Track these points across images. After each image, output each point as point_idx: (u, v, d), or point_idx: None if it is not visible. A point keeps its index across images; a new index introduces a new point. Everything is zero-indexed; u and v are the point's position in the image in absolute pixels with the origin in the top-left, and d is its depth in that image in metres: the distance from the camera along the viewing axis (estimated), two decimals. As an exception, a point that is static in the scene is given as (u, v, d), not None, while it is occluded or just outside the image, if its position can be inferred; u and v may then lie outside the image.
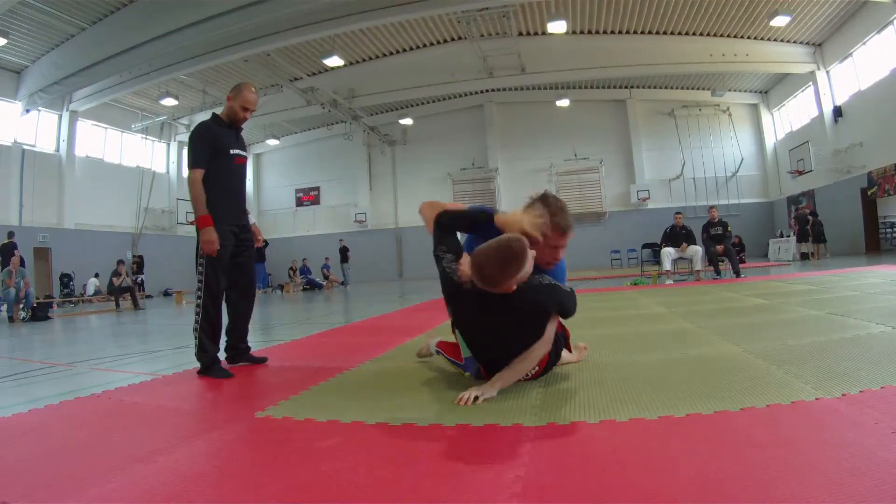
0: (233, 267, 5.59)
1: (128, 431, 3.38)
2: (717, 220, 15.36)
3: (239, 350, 5.72)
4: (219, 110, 5.64)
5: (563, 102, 32.38)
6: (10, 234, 19.62)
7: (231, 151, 5.53)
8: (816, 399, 3.09)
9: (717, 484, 2.11)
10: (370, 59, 28.18)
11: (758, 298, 8.61)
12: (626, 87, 33.23)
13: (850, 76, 25.04)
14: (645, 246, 20.73)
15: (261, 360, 5.71)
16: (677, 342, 5.35)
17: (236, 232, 5.57)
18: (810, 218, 23.93)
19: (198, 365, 5.19)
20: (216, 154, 5.41)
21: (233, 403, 4.06)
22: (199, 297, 5.36)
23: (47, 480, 2.52)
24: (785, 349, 4.55)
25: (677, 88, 33.07)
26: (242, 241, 5.68)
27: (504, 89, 32.42)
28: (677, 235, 15.21)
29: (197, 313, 5.29)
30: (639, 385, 3.73)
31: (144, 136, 30.55)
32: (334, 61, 25.75)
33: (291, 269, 31.20)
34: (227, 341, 5.67)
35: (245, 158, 5.79)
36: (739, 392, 3.37)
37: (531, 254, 3.47)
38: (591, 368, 4.34)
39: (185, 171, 5.44)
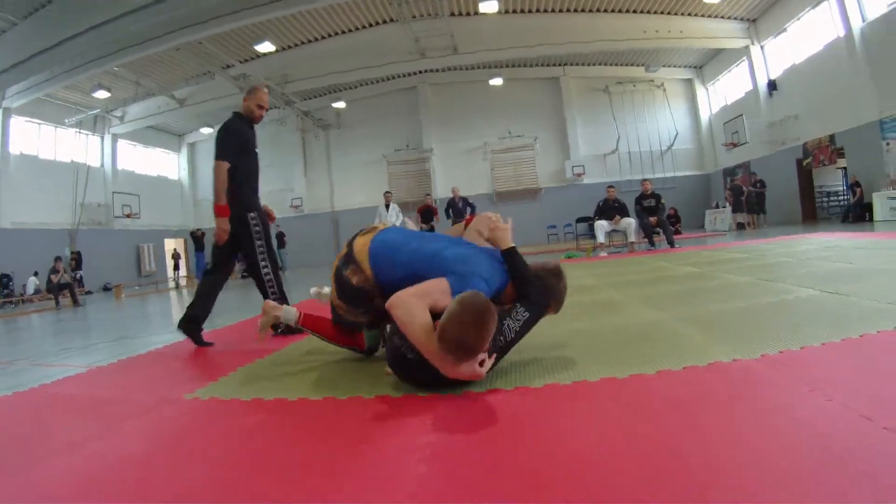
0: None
1: (61, 422, 3.48)
2: (650, 192, 15.49)
3: (198, 326, 5.92)
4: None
5: (497, 81, 32.49)
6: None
7: (253, 149, 6.19)
8: (734, 360, 3.20)
9: (622, 443, 2.23)
10: (302, 43, 27.87)
11: (689, 267, 8.78)
12: (559, 65, 33.33)
13: (784, 50, 25.38)
14: (579, 220, 20.88)
15: (207, 344, 5.77)
16: (604, 311, 5.48)
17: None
18: (745, 189, 24.33)
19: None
20: (244, 150, 6.00)
21: (162, 388, 4.11)
22: (267, 275, 5.89)
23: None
24: (710, 314, 4.68)
25: (611, 65, 33.23)
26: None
27: (437, 70, 32.25)
28: (610, 209, 15.37)
29: (271, 288, 5.87)
30: (559, 354, 3.86)
31: (78, 130, 29.89)
32: (266, 47, 25.68)
33: (229, 257, 31.02)
34: (192, 312, 5.90)
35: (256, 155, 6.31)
36: (658, 356, 3.49)
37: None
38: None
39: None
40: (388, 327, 3.57)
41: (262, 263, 5.87)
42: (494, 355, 3.18)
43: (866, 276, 5.91)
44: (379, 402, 3.13)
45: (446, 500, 1.92)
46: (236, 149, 5.90)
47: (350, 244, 3.84)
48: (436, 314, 3.10)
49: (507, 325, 3.32)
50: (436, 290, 3.24)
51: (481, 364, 3.01)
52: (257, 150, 6.31)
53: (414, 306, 3.12)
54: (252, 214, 5.93)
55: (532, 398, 2.97)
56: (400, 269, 3.55)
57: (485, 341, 2.93)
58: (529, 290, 3.55)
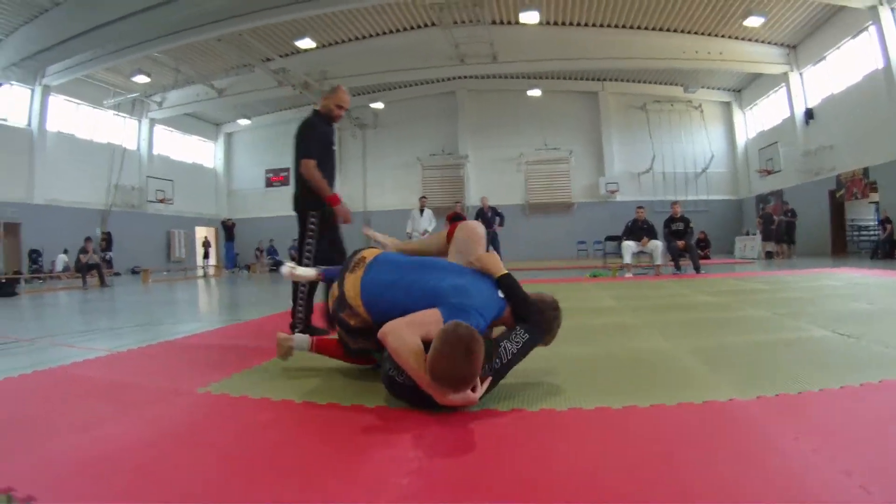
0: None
1: (76, 403, 3.60)
2: (679, 215, 15.37)
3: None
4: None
5: (535, 92, 32.46)
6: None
7: (332, 147, 6.35)
8: (730, 399, 3.22)
9: (598, 474, 2.29)
10: (343, 42, 27.99)
11: (709, 296, 8.74)
12: (598, 80, 33.12)
13: (823, 79, 25.13)
14: (608, 238, 20.86)
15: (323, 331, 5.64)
16: (616, 336, 5.50)
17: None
18: (775, 217, 24.14)
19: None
20: (323, 148, 6.19)
21: (177, 379, 4.23)
22: (308, 263, 5.96)
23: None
24: (718, 348, 4.69)
25: (650, 83, 33.01)
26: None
27: (476, 77, 32.33)
28: (639, 230, 15.31)
29: (302, 288, 5.99)
30: (562, 377, 3.90)
31: (116, 112, 30.10)
32: (306, 43, 25.86)
33: (258, 249, 31.16)
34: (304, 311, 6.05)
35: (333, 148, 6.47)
36: (657, 388, 3.53)
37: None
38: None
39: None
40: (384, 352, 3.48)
41: (306, 262, 5.99)
42: (489, 379, 3.19)
43: (883, 318, 5.87)
44: (378, 413, 3.22)
45: None
46: (318, 147, 6.12)
47: (341, 285, 3.78)
48: (428, 343, 3.11)
49: (505, 347, 3.34)
50: (428, 320, 3.24)
51: (473, 389, 3.05)
52: (334, 147, 6.47)
53: (406, 335, 3.16)
54: (313, 214, 6.14)
55: (525, 422, 3.03)
56: (396, 309, 3.45)
57: (475, 371, 2.96)
58: (529, 312, 3.57)
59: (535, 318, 3.56)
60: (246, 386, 3.89)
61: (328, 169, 6.19)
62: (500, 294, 3.60)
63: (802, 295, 8.46)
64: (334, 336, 4.34)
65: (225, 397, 3.63)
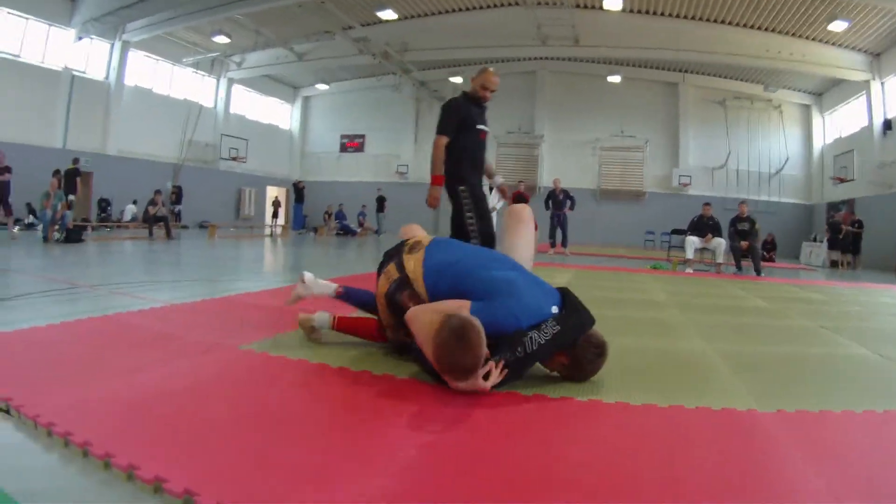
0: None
1: (122, 350, 3.79)
2: (745, 215, 15.17)
3: None
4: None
5: (615, 79, 32.11)
6: (76, 161, 20.10)
7: (477, 126, 6.33)
8: (749, 410, 3.21)
9: (587, 470, 2.35)
10: (424, 15, 27.98)
11: (762, 301, 8.63)
12: (679, 71, 32.62)
13: (904, 91, 24.47)
14: (674, 231, 20.67)
15: None
16: (655, 331, 5.52)
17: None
18: (843, 227, 23.69)
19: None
20: (465, 127, 6.24)
21: (223, 334, 4.38)
22: (474, 239, 6.18)
23: (41, 385, 2.95)
24: (752, 355, 4.66)
25: (731, 79, 32.40)
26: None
27: (557, 59, 32.12)
28: (704, 226, 15.20)
29: None
30: None
31: (195, 70, 30.67)
32: (388, 14, 25.88)
33: (327, 213, 31.42)
34: None
35: (486, 133, 6.58)
36: (681, 389, 3.54)
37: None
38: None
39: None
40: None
41: (472, 233, 6.21)
42: (501, 364, 3.20)
43: (930, 342, 5.74)
44: (405, 385, 3.33)
45: (419, 485, 2.11)
46: (456, 126, 6.21)
47: (401, 266, 3.74)
48: None
49: (531, 337, 3.29)
50: (454, 307, 3.24)
51: (487, 376, 3.10)
52: (486, 128, 6.55)
53: (426, 320, 3.20)
54: (462, 188, 6.30)
55: (544, 408, 3.09)
56: (455, 291, 3.47)
57: (475, 359, 2.98)
58: (573, 334, 3.44)
59: (573, 321, 3.47)
60: (287, 347, 4.04)
61: (470, 149, 6.35)
62: (555, 308, 3.48)
63: (855, 310, 8.32)
64: (355, 314, 4.46)
65: (263, 355, 3.78)
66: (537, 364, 3.46)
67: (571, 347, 3.43)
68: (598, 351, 3.52)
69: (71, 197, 17.55)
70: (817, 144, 32.32)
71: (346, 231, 29.16)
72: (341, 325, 4.26)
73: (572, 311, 3.49)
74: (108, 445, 2.20)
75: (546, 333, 3.32)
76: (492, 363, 3.14)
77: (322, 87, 37.12)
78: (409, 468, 2.25)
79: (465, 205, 6.22)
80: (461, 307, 3.24)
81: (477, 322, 3.02)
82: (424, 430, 2.67)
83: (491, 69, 6.44)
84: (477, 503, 2.00)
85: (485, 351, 3.02)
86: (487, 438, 2.63)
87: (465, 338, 2.93)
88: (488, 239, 6.26)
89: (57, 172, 16.65)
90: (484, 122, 6.51)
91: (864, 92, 26.66)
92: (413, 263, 3.66)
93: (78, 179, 19.41)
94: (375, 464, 2.24)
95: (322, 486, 2.04)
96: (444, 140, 6.15)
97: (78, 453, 2.21)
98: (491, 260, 3.77)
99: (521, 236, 4.32)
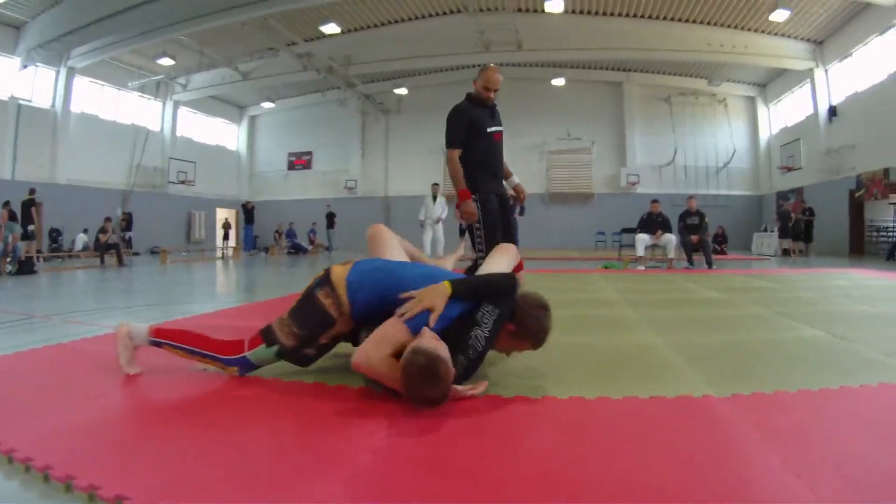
0: (504, 227, 6.30)
1: (81, 376, 3.78)
2: (694, 210, 15.34)
3: None
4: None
5: (559, 81, 32.37)
6: (32, 191, 19.77)
7: (488, 129, 6.16)
8: (703, 395, 3.26)
9: (543, 465, 2.39)
10: (367, 27, 28.01)
11: (714, 292, 8.73)
12: (623, 70, 33.03)
13: (848, 76, 24.89)
14: (624, 230, 20.84)
15: None
16: (608, 328, 5.57)
17: (499, 196, 6.35)
18: (793, 215, 23.99)
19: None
20: (474, 133, 6.11)
21: (180, 357, 4.33)
22: (480, 257, 5.98)
23: (2, 413, 2.96)
24: (707, 345, 4.72)
25: (674, 75, 32.82)
26: (504, 207, 6.38)
27: (501, 64, 32.06)
28: (653, 223, 15.38)
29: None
30: (542, 366, 3.98)
31: (141, 94, 30.41)
32: (331, 28, 25.85)
33: (277, 232, 31.34)
34: None
35: (501, 133, 6.40)
36: (635, 381, 3.58)
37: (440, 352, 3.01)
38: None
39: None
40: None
41: (478, 245, 6.14)
42: (464, 383, 3.25)
43: (881, 321, 5.90)
44: (359, 394, 3.37)
45: (371, 490, 2.14)
46: (463, 133, 6.10)
47: (328, 270, 3.70)
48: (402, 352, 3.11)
49: (476, 336, 3.31)
50: (392, 333, 3.20)
51: (455, 396, 3.12)
52: (499, 128, 6.41)
53: (374, 357, 3.13)
54: (474, 197, 6.14)
55: (499, 408, 3.11)
56: (377, 291, 3.50)
57: (445, 389, 2.96)
58: (492, 290, 3.45)
59: (499, 293, 3.45)
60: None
61: (483, 154, 6.24)
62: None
63: (807, 294, 8.45)
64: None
65: (218, 375, 3.76)
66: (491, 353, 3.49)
67: (512, 315, 3.45)
68: (541, 306, 3.54)
69: (31, 227, 17.38)
70: (763, 135, 32.94)
71: (297, 249, 29.01)
72: (161, 335, 3.78)
73: (492, 283, 3.49)
74: (69, 468, 2.20)
75: (487, 323, 3.34)
76: (461, 389, 3.17)
77: (268, 105, 36.98)
78: (364, 471, 2.28)
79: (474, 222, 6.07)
80: (394, 327, 3.22)
81: (443, 352, 2.98)
82: (377, 434, 2.69)
83: (492, 65, 6.30)
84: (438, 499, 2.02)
85: (452, 377, 3.01)
86: (442, 439, 2.65)
87: (435, 373, 2.88)
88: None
89: (6, 204, 16.45)
90: (496, 123, 6.37)
91: (808, 80, 27.23)
92: (340, 272, 3.64)
93: (33, 210, 19.16)
94: (329, 470, 2.27)
95: (284, 492, 2.07)
96: (456, 152, 6.08)
97: (39, 478, 2.21)
98: (410, 265, 3.82)
99: (392, 253, 4.29)
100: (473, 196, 6.09)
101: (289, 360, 3.65)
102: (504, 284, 3.46)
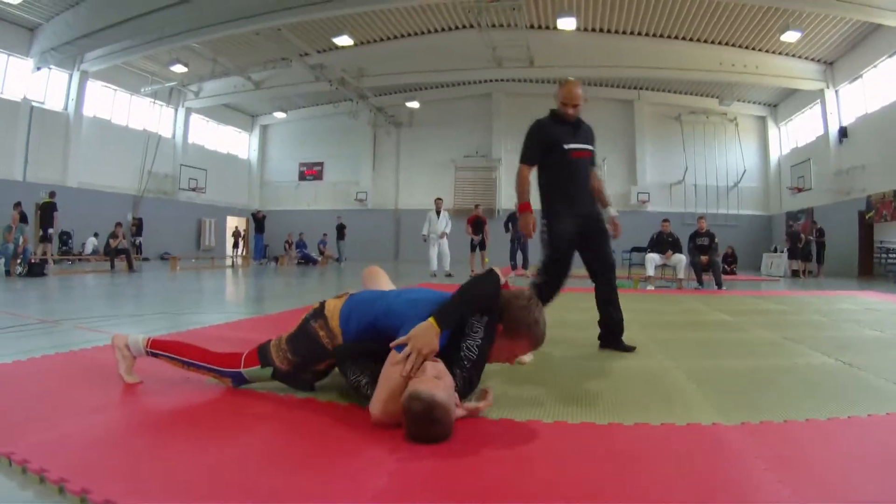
0: (588, 253, 5.76)
1: (91, 386, 3.77)
2: (704, 230, 15.40)
3: (611, 335, 5.73)
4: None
5: (571, 98, 32.23)
6: (52, 194, 19.86)
7: (565, 146, 5.64)
8: (713, 424, 3.25)
9: (555, 491, 2.39)
10: (380, 40, 28.17)
11: (724, 314, 8.72)
12: (634, 88, 33.12)
13: (858, 97, 24.87)
14: (633, 249, 20.80)
15: (629, 349, 5.55)
16: (618, 351, 5.51)
17: (581, 221, 5.65)
18: (802, 236, 23.94)
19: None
20: (549, 150, 5.69)
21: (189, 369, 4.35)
22: (545, 273, 5.67)
23: (12, 423, 2.95)
24: (716, 370, 4.70)
25: (686, 94, 32.89)
26: (590, 229, 5.70)
27: (512, 80, 32.30)
28: (663, 242, 15.36)
29: (540, 294, 5.01)
30: (553, 389, 3.99)
31: (153, 100, 30.50)
32: (344, 40, 25.98)
33: (287, 242, 31.34)
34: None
35: (584, 152, 5.78)
36: (644, 408, 3.58)
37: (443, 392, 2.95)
38: (521, 367, 4.57)
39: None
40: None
41: (541, 269, 5.75)
42: (463, 401, 3.25)
43: (890, 348, 5.86)
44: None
45: None
46: (539, 151, 5.74)
47: (322, 304, 3.71)
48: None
49: (467, 347, 3.31)
50: (396, 379, 3.07)
51: (464, 414, 3.14)
52: (580, 146, 5.73)
53: (394, 410, 3.02)
54: (544, 221, 5.75)
55: (510, 432, 3.12)
56: (361, 322, 3.49)
57: (447, 430, 2.90)
58: (479, 303, 3.38)
59: (484, 307, 3.39)
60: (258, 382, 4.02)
61: (556, 174, 5.77)
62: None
63: (816, 318, 8.43)
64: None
65: (230, 389, 3.77)
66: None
67: (500, 314, 3.42)
68: (525, 297, 3.52)
69: (50, 230, 17.51)
70: (774, 155, 32.86)
71: (307, 260, 28.99)
72: (157, 346, 3.82)
73: (476, 296, 3.38)
74: (84, 481, 2.20)
75: (478, 331, 3.33)
76: (467, 406, 3.19)
77: (280, 115, 37.08)
78: (382, 497, 2.27)
79: (542, 239, 5.70)
80: (391, 363, 3.15)
81: (440, 394, 2.92)
82: (391, 457, 2.69)
83: (571, 79, 5.80)
84: None
85: (453, 416, 2.97)
86: (456, 463, 2.65)
87: (432, 419, 2.84)
88: (553, 281, 5.74)
89: (18, 205, 16.52)
90: (579, 140, 5.75)
91: (818, 101, 27.20)
92: (334, 304, 3.65)
93: (56, 213, 19.26)
94: (346, 496, 2.26)
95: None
96: (526, 169, 5.77)
97: (54, 490, 2.21)
98: (395, 293, 3.74)
99: (384, 284, 4.29)
100: (544, 220, 5.73)
101: (284, 382, 3.69)
102: (488, 291, 3.40)
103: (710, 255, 14.95)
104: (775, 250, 27.60)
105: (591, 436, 3.09)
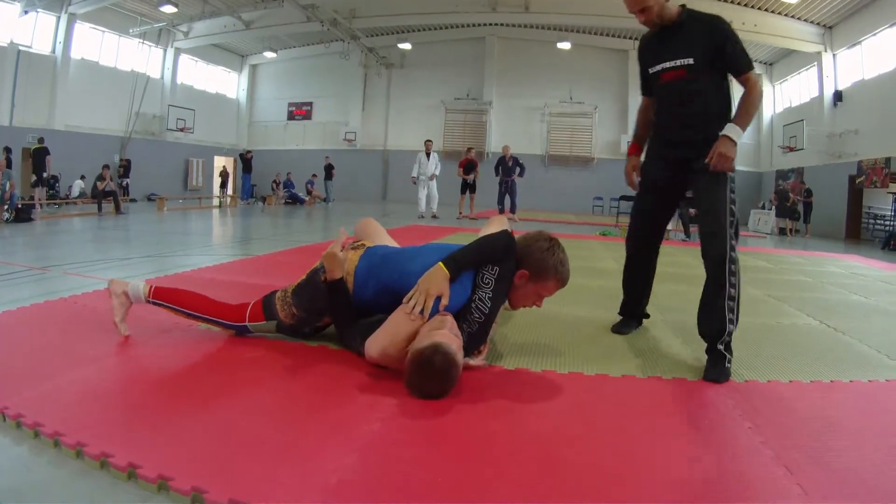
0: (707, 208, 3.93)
1: (84, 335, 3.76)
2: (693, 183, 15.23)
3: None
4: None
5: (565, 45, 31.95)
6: (41, 140, 19.79)
7: (650, 70, 4.20)
8: (698, 380, 3.35)
9: (544, 442, 2.43)
10: (373, -20, 27.88)
11: (710, 269, 8.71)
12: (630, 38, 32.39)
13: (855, 63, 24.74)
14: (622, 198, 20.81)
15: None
16: (606, 301, 5.55)
17: (671, 163, 4.16)
18: (791, 195, 24.01)
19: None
20: (644, 75, 4.31)
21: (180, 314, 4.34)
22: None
23: (6, 374, 2.97)
24: None
25: (681, 47, 32.44)
26: (683, 179, 4.17)
27: (506, 24, 32.17)
28: (653, 193, 15.26)
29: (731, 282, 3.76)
30: (544, 338, 4.10)
31: (142, 41, 30.02)
32: (337, -21, 25.59)
33: (275, 182, 31.21)
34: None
35: (677, 72, 4.00)
36: (631, 361, 3.68)
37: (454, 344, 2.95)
38: (513, 314, 4.66)
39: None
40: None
41: (731, 234, 3.90)
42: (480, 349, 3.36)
43: (875, 315, 5.92)
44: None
45: (384, 459, 2.23)
46: (642, 76, 4.36)
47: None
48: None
49: (478, 298, 3.28)
50: (404, 324, 3.14)
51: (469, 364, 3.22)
52: (670, 64, 4.01)
53: (394, 352, 3.09)
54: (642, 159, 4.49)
55: (501, 380, 3.23)
56: (377, 291, 3.48)
57: (450, 386, 2.91)
58: (488, 253, 3.37)
59: (494, 257, 3.38)
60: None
61: (656, 106, 4.32)
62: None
63: (801, 279, 8.52)
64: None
65: (220, 335, 3.80)
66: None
67: (521, 261, 3.44)
68: (545, 239, 3.52)
69: (44, 175, 17.57)
70: (767, 113, 32.66)
71: (294, 200, 28.81)
72: (161, 296, 3.73)
73: (486, 246, 3.41)
74: (79, 435, 2.23)
75: (488, 283, 3.32)
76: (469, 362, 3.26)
77: (269, 54, 36.61)
78: (375, 443, 2.34)
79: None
80: (408, 322, 3.15)
81: (459, 353, 2.95)
82: (384, 402, 2.77)
83: None
84: (445, 473, 2.11)
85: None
86: (445, 409, 2.74)
87: (449, 375, 2.87)
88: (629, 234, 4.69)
89: (6, 150, 16.41)
90: (669, 56, 4.03)
91: (815, 63, 27.00)
92: (352, 255, 3.63)
93: (48, 157, 19.23)
94: (345, 438, 2.33)
95: (297, 464, 2.12)
96: (643, 101, 4.54)
97: (49, 444, 2.24)
98: (409, 257, 3.61)
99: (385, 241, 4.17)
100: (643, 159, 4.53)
101: (286, 333, 3.73)
102: (498, 243, 3.41)
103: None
104: (763, 207, 27.62)
105: (581, 386, 3.21)
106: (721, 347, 3.51)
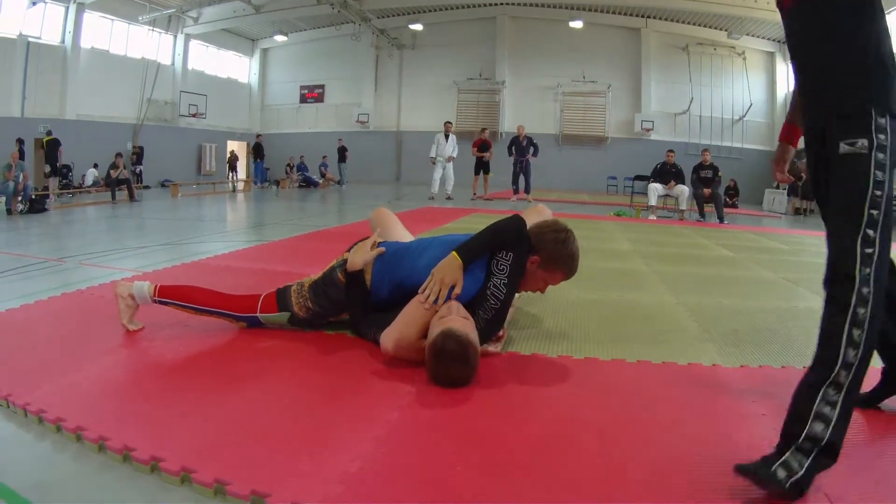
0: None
1: (103, 327, 3.78)
2: (708, 163, 15.35)
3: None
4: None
5: (577, 24, 31.65)
6: (49, 132, 19.94)
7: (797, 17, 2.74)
8: (713, 365, 3.33)
9: (559, 426, 2.46)
10: (384, -39, 27.70)
11: (725, 250, 8.77)
12: (642, 17, 32.33)
13: (870, 43, 24.45)
14: (636, 178, 20.78)
15: None
16: (622, 283, 5.58)
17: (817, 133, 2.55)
18: (804, 175, 23.84)
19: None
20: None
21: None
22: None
23: (27, 369, 2.99)
24: (718, 309, 4.76)
25: (694, 25, 32.08)
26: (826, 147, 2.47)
27: (517, 3, 32.08)
28: (667, 173, 15.40)
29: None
30: (560, 321, 4.11)
31: (151, 27, 29.91)
32: (347, -39, 25.48)
33: (289, 165, 31.18)
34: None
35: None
36: (647, 345, 3.67)
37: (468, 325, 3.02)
38: (528, 298, 4.62)
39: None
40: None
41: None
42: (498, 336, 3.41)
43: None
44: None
45: (403, 447, 2.26)
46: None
47: (352, 249, 3.68)
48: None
49: (493, 285, 3.29)
50: (418, 315, 3.18)
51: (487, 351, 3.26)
52: None
53: (407, 344, 3.13)
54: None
55: (517, 366, 3.26)
56: (392, 288, 3.53)
57: (473, 371, 2.94)
58: (501, 239, 3.39)
59: (512, 238, 3.41)
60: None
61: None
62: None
63: (815, 261, 8.14)
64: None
65: (232, 326, 3.80)
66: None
67: (533, 248, 3.45)
68: (560, 229, 3.54)
69: (58, 164, 17.69)
70: (781, 91, 32.26)
71: (308, 183, 28.81)
72: (166, 293, 3.72)
73: (498, 232, 3.41)
74: (101, 429, 2.26)
75: (503, 269, 3.33)
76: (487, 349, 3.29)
77: (280, 38, 36.35)
78: (396, 430, 2.38)
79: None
80: (422, 312, 3.19)
81: (473, 334, 2.97)
82: (403, 390, 2.80)
83: None
84: (465, 460, 2.14)
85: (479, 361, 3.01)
86: (464, 396, 2.77)
87: (466, 359, 2.88)
88: None
89: (20, 141, 16.47)
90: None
91: (831, 42, 26.58)
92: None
93: (60, 148, 19.36)
94: (365, 427, 2.36)
95: (317, 454, 2.15)
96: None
97: (71, 439, 2.27)
98: (423, 251, 3.61)
99: (398, 232, 4.25)
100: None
101: (298, 326, 3.71)
102: (510, 228, 3.42)
103: (712, 187, 14.94)
104: (777, 187, 27.45)
105: (596, 372, 3.21)
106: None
